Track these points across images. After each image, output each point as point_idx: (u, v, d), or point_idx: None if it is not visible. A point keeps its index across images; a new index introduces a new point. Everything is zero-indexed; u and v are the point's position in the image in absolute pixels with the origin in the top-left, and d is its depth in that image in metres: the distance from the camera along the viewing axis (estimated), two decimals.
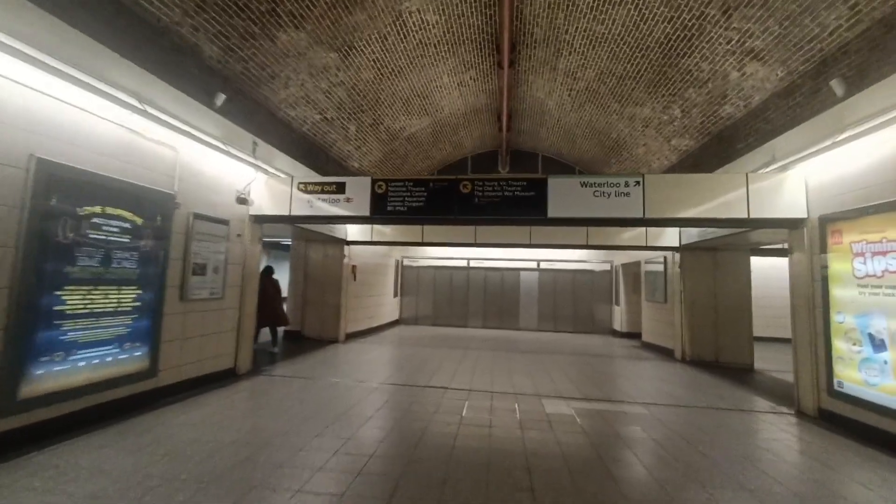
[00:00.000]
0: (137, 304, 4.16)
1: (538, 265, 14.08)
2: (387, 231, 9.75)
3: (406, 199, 5.70)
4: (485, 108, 9.80)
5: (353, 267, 10.20)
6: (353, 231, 9.78)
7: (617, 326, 12.82)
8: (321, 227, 8.41)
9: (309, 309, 9.81)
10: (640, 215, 5.31)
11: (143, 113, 4.19)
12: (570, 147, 10.78)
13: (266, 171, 6.23)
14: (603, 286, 13.62)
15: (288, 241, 16.28)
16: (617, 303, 12.93)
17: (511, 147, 12.30)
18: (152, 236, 4.33)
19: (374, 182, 5.81)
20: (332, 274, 9.77)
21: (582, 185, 5.40)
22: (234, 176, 5.81)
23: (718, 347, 8.22)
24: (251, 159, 5.79)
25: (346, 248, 9.81)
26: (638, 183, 5.34)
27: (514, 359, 8.29)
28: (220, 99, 4.68)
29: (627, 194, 5.34)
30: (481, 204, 5.55)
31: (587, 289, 13.74)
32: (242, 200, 5.86)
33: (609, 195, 5.37)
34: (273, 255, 22.06)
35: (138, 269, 4.15)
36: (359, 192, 5.82)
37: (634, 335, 12.07)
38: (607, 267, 13.65)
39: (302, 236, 9.69)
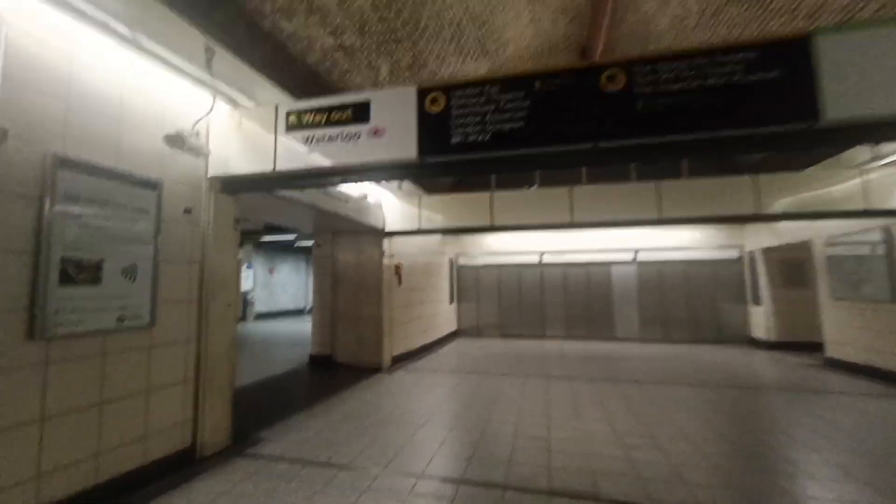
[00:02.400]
0: None
1: (635, 256, 10.75)
2: (438, 215, 6.98)
3: (488, 118, 2.86)
4: (563, 42, 6.80)
5: (398, 267, 7.53)
6: (392, 218, 7.09)
7: (759, 334, 9.23)
8: (344, 209, 5.80)
9: (341, 326, 7.24)
10: None
11: None
12: None
13: (235, 103, 3.64)
14: (730, 280, 10.04)
15: (304, 241, 14.12)
16: (756, 301, 9.35)
17: None
18: None
19: (422, 94, 3.02)
20: (369, 278, 7.14)
21: None
22: (170, 104, 3.26)
23: None
24: (205, 76, 3.22)
25: (385, 242, 7.15)
26: None
27: (632, 398, 5.18)
28: None
29: None
30: (654, 109, 2.59)
31: (707, 284, 10.22)
32: (190, 148, 3.29)
33: None
34: (278, 259, 19.90)
35: None
36: (396, 115, 3.05)
37: (790, 346, 8.48)
38: (734, 254, 10.07)
39: (325, 227, 7.13)
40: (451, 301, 11.34)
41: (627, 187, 6.28)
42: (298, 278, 19.05)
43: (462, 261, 11.92)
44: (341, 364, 7.09)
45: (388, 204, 7.14)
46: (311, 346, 7.34)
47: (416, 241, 8.64)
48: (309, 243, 16.84)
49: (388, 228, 7.12)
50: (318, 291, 7.45)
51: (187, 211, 3.34)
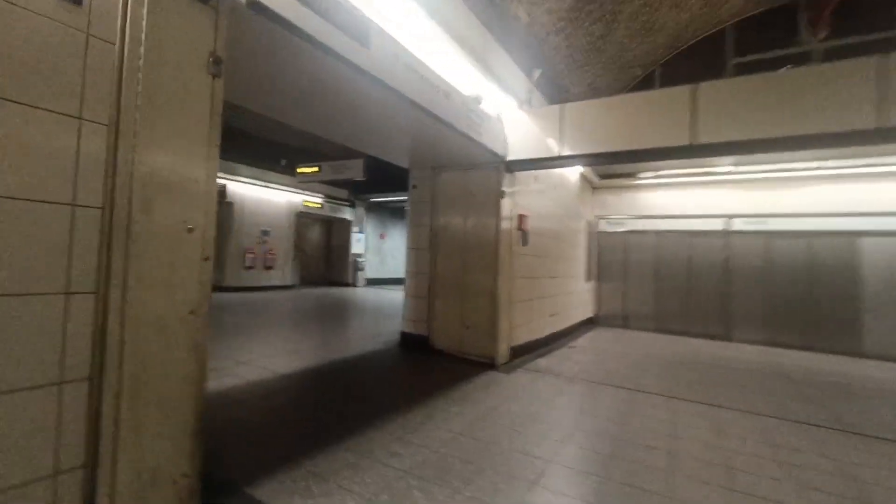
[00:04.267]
0: None
1: None
2: (592, 133, 4.35)
3: None
4: None
5: (522, 218, 5.19)
6: (517, 141, 4.74)
7: None
8: (444, 109, 3.64)
9: (441, 299, 5.22)
10: None
11: None
12: None
13: None
14: None
15: (393, 199, 12.42)
16: None
17: None
18: None
19: None
20: (481, 232, 4.95)
21: None
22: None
23: None
24: None
25: (505, 179, 4.85)
26: None
27: None
28: None
29: None
30: None
31: None
32: None
33: None
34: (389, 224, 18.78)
35: None
36: None
37: None
38: None
39: (423, 157, 5.10)
40: (589, 278, 8.60)
41: None
42: None
43: (604, 225, 9.00)
44: (439, 351, 5.11)
45: (510, 119, 4.80)
46: (403, 320, 5.51)
47: (546, 186, 6.15)
48: None
49: (512, 157, 4.78)
50: (414, 249, 5.52)
51: None
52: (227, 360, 4.23)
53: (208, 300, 1.91)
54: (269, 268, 12.06)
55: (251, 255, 11.53)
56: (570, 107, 4.51)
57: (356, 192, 14.83)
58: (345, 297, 11.62)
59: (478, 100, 4.18)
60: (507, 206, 4.84)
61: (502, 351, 4.74)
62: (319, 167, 9.35)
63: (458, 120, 3.82)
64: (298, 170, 9.43)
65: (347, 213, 14.79)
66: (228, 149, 11.66)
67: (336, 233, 15.59)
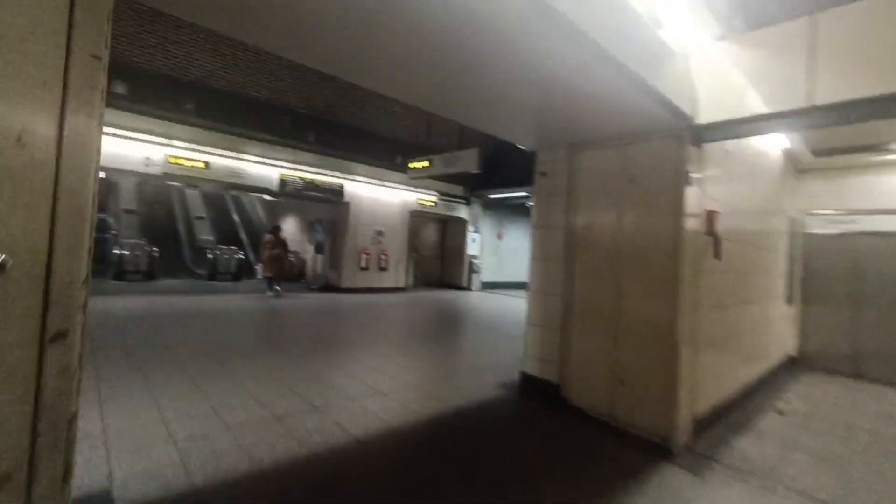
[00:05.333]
0: None
1: None
2: (866, 68, 2.35)
3: None
4: None
5: (713, 217, 3.33)
6: (713, 91, 2.93)
7: None
8: (632, 57, 2.09)
9: (581, 335, 3.66)
10: None
11: None
12: None
13: None
14: None
15: (513, 195, 10.66)
16: None
17: None
18: None
19: None
20: (647, 240, 3.26)
21: None
22: None
23: None
24: None
25: (690, 154, 3.08)
26: None
27: None
28: None
29: None
30: None
31: None
32: None
33: None
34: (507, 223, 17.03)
35: None
36: None
37: None
38: None
39: (558, 132, 3.59)
40: (789, 301, 6.03)
41: None
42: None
43: (815, 224, 6.27)
44: (577, 411, 3.57)
45: (701, 57, 3.02)
46: (525, 356, 4.09)
47: (742, 167, 4.12)
48: None
49: (705, 118, 3.01)
50: (540, 260, 4.05)
51: None
52: (299, 401, 3.36)
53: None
54: (383, 269, 11.74)
55: (366, 256, 11.30)
56: (832, 16, 2.55)
57: (472, 188, 13.81)
58: (458, 304, 10.63)
59: (657, 21, 2.53)
60: (692, 197, 3.07)
61: (682, 424, 3.00)
62: (431, 161, 8.45)
63: (630, 54, 2.26)
64: (410, 165, 8.70)
65: (462, 212, 13.84)
66: (344, 147, 11.69)
67: (450, 232, 14.81)
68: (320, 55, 2.40)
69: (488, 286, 14.51)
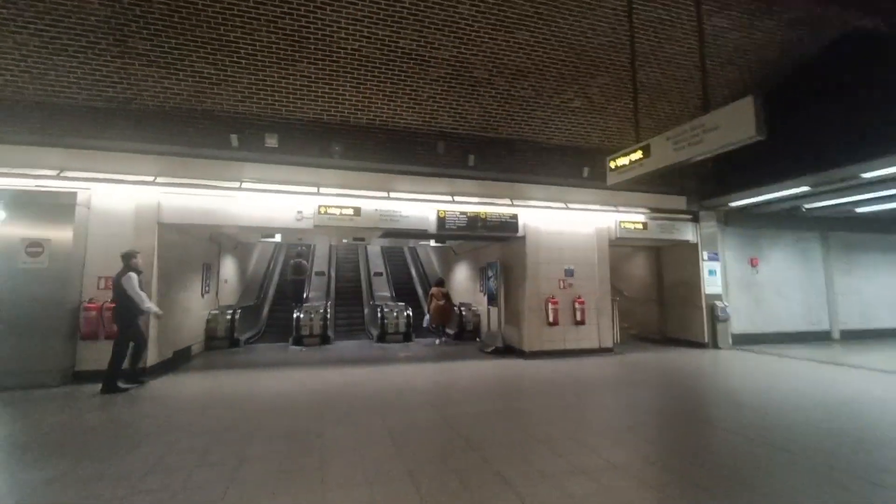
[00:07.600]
0: None
1: None
2: None
3: None
4: None
5: None
6: None
7: None
8: None
9: None
10: None
11: None
12: None
13: None
14: None
15: (820, 200, 5.76)
16: None
17: None
18: None
19: None
20: None
21: None
22: None
23: None
24: None
25: None
26: None
27: None
28: None
29: None
30: None
31: None
32: None
33: None
34: (765, 243, 11.20)
35: None
36: None
37: None
38: None
39: None
40: None
41: None
42: (809, 272, 10.42)
43: None
44: None
45: None
46: None
47: None
48: (826, 203, 8.28)
49: None
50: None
51: None
52: None
53: None
54: (579, 323, 8.43)
55: (554, 306, 8.26)
56: None
57: (701, 197, 9.47)
58: (706, 385, 6.44)
59: None
60: None
61: None
62: (647, 148, 5.07)
63: None
64: (611, 163, 5.50)
65: (689, 232, 9.51)
66: (512, 166, 6.90)
67: (670, 263, 10.44)
68: None
69: (743, 340, 9.44)
